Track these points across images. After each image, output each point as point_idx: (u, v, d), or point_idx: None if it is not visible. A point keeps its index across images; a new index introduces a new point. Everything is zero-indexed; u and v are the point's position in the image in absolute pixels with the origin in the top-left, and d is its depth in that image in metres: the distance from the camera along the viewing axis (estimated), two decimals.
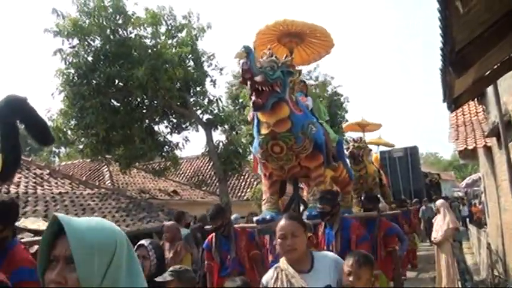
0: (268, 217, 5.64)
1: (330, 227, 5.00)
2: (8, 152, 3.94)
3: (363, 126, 10.96)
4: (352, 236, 4.77)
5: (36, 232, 6.74)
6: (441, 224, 9.09)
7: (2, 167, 3.84)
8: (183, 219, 8.38)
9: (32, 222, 7.88)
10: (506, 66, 3.46)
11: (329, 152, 6.17)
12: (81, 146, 13.87)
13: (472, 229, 14.80)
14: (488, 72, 3.54)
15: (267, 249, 6.33)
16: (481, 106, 12.12)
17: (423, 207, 16.04)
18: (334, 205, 4.97)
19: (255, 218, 6.01)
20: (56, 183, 11.48)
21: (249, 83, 4.86)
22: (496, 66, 3.48)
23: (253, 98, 4.90)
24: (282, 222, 2.90)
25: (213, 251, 5.46)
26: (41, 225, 7.87)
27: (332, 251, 4.60)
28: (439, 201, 9.64)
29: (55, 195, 10.24)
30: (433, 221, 10.16)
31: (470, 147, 10.48)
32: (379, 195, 8.77)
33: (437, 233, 9.12)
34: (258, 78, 4.81)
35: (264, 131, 5.30)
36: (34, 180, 11.11)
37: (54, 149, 32.60)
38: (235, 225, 6.07)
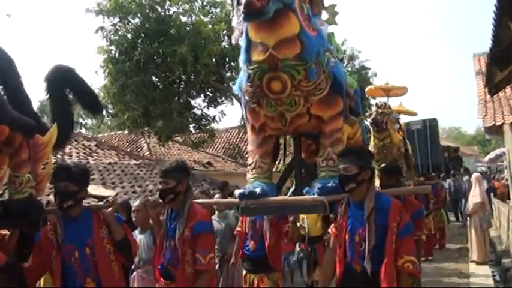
0: (258, 190, 3.77)
1: (356, 206, 3.38)
2: (61, 120, 4.11)
3: (387, 91, 9.96)
4: (391, 223, 3.22)
5: (99, 198, 7.48)
6: (472, 197, 9.72)
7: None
8: (227, 189, 8.98)
9: (94, 189, 8.70)
10: None
11: (347, 100, 4.32)
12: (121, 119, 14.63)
13: (497, 203, 15.28)
14: None
15: (245, 233, 5.18)
16: None
17: (449, 181, 16.50)
18: (365, 167, 3.35)
19: (237, 191, 4.05)
20: (104, 153, 12.28)
21: None
22: None
23: None
24: None
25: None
26: (102, 191, 8.70)
27: (360, 244, 3.28)
28: (473, 175, 10.21)
29: (106, 165, 11.02)
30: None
31: (498, 123, 10.91)
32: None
33: (470, 206, 9.74)
34: None
35: (257, 56, 3.45)
36: (84, 151, 11.91)
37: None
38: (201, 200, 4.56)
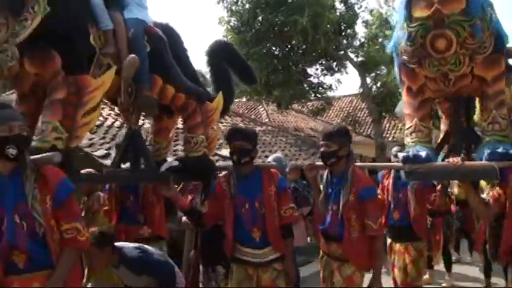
0: (423, 154, 3.49)
1: None
2: (223, 89, 4.54)
3: None
4: None
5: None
6: None
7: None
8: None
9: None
10: None
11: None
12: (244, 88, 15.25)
13: None
14: None
15: (387, 201, 4.98)
16: None
17: None
18: None
19: (400, 154, 3.90)
20: (231, 120, 12.91)
21: None
22: None
23: None
24: None
25: None
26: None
27: None
28: None
29: None
30: None
31: None
32: None
33: None
34: None
35: (420, 12, 3.22)
36: None
37: None
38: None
